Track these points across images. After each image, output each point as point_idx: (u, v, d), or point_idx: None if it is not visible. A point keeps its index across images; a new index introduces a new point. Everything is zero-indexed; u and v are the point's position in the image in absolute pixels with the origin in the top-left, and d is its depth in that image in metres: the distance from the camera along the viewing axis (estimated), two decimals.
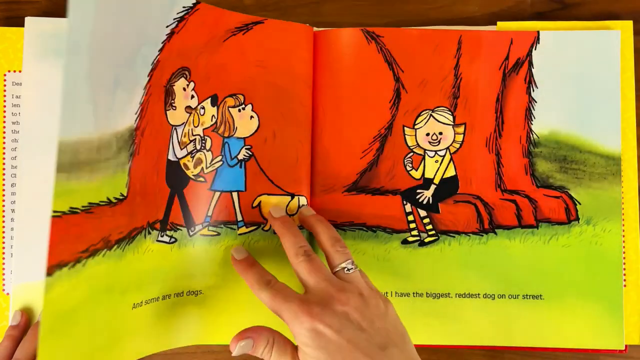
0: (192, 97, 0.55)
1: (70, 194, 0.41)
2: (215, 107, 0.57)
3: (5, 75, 0.61)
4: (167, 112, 0.52)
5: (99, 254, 0.45)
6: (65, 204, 0.41)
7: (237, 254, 0.53)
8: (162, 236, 0.54)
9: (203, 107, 0.56)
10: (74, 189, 0.41)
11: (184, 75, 0.54)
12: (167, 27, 0.50)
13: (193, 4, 0.53)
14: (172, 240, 0.54)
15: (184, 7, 0.52)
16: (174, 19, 0.51)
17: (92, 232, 0.44)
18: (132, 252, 0.49)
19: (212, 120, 0.57)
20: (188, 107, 0.55)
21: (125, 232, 0.48)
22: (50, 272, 0.40)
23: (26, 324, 0.56)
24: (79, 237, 0.42)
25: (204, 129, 0.56)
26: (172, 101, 0.53)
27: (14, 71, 0.61)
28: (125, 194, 0.48)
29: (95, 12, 0.42)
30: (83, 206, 0.43)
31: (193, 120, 0.56)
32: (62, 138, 0.39)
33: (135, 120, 0.49)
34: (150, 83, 0.50)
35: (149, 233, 0.52)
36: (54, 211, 0.39)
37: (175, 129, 0.55)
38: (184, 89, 0.54)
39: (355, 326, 0.44)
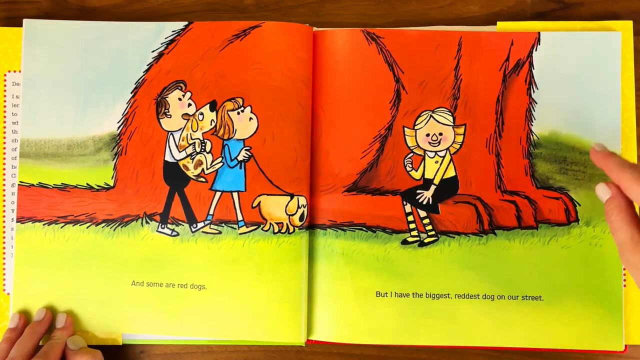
0: (190, 105, 0.58)
1: (39, 173, 0.59)
2: (214, 112, 0.58)
3: (5, 75, 0.61)
4: (161, 120, 0.59)
5: (82, 224, 0.58)
6: (34, 179, 0.59)
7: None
8: (162, 228, 0.58)
9: (202, 114, 0.58)
10: (43, 171, 0.59)
11: (179, 87, 0.58)
12: (153, 51, 0.59)
13: (185, 25, 0.59)
14: (174, 233, 0.58)
15: (173, 30, 0.59)
16: (162, 43, 0.59)
17: (71, 205, 0.59)
18: (127, 235, 0.58)
19: (211, 125, 0.58)
20: (185, 115, 0.58)
21: (116, 215, 0.59)
22: (21, 220, 0.58)
23: (24, 326, 0.57)
24: (53, 204, 0.59)
25: (203, 133, 0.58)
26: (166, 110, 0.58)
27: (14, 71, 0.61)
28: (112, 185, 0.59)
29: (47, 56, 0.59)
30: (55, 184, 0.59)
31: (191, 125, 0.58)
32: (23, 136, 0.59)
33: (118, 127, 0.59)
34: (135, 98, 0.59)
35: (147, 222, 0.58)
36: (20, 181, 0.59)
37: (172, 134, 0.58)
38: (180, 99, 0.58)
39: None
